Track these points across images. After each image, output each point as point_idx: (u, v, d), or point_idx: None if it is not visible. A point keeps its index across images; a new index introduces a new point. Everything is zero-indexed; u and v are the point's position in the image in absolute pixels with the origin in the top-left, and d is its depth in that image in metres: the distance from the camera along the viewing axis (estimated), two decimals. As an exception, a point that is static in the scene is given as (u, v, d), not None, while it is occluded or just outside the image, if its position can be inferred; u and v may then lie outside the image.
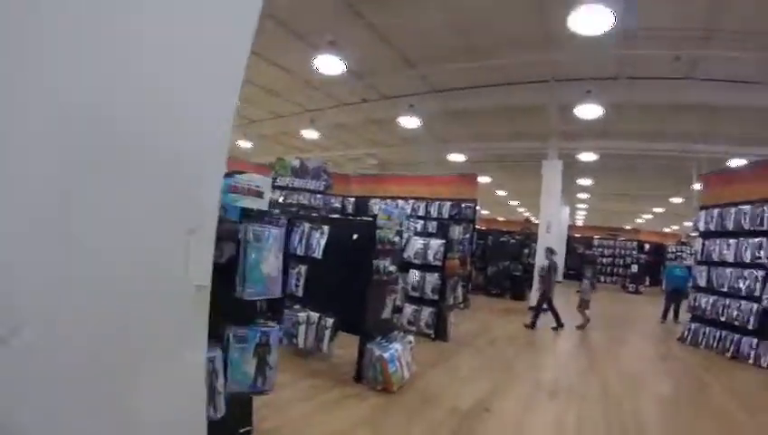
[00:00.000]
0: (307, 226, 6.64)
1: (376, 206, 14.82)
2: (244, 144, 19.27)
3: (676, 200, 24.01)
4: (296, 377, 5.66)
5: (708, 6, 8.70)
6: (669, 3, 8.87)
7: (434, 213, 15.02)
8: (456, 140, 18.01)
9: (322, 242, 6.33)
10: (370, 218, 6.43)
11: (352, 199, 17.30)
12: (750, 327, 9.13)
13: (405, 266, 8.78)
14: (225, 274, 3.57)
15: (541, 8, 9.15)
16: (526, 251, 18.48)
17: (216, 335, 3.64)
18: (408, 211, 15.04)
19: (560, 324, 11.13)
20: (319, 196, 16.51)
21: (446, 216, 14.70)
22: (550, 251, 12.45)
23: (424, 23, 10.02)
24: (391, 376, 5.37)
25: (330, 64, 10.20)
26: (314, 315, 6.21)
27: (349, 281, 6.05)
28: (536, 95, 13.10)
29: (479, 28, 10.20)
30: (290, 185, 16.64)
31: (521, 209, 35.66)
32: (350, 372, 5.78)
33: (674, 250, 27.89)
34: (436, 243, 9.09)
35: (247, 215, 3.72)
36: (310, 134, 16.38)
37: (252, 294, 3.53)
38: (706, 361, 9.18)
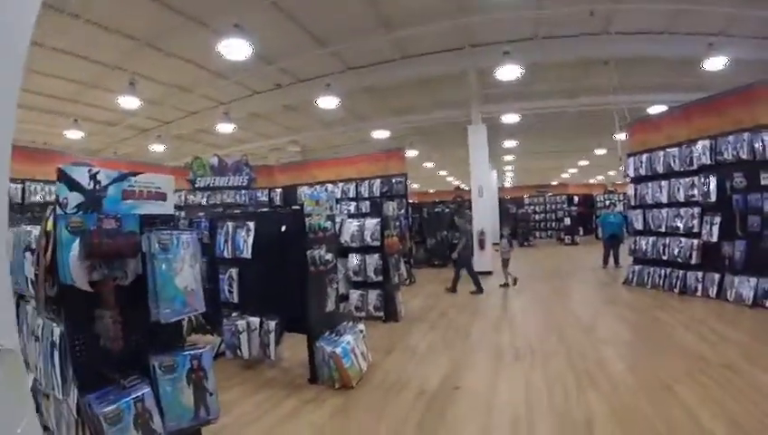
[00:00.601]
0: (231, 225, 6.07)
1: (305, 194, 14.33)
2: (157, 147, 18.12)
3: (600, 152, 24.83)
4: (246, 392, 5.15)
5: None
6: None
7: (365, 193, 14.65)
8: (377, 117, 17.75)
9: (250, 240, 5.81)
10: (297, 207, 5.89)
11: (279, 190, 16.66)
12: (693, 262, 9.36)
13: (343, 252, 8.45)
14: (136, 295, 3.06)
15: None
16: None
17: (139, 368, 3.14)
18: (338, 194, 14.65)
19: (479, 289, 11.06)
20: (243, 191, 15.83)
21: (377, 194, 14.37)
22: (460, 217, 12.76)
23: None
24: (348, 371, 4.95)
25: (236, 49, 9.52)
26: (255, 321, 5.67)
27: (284, 278, 5.56)
28: (454, 63, 13.01)
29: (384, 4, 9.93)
30: (211, 184, 15.86)
31: (450, 179, 35.93)
32: (304, 374, 5.32)
33: (602, 199, 28.87)
34: (371, 223, 8.65)
35: (150, 223, 3.17)
36: (225, 128, 15.59)
37: (168, 314, 3.00)
38: (656, 299, 9.29)
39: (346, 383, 4.94)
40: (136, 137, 19.43)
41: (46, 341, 2.89)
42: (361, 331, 5.78)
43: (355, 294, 8.48)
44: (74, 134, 15.70)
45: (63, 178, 2.87)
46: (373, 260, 8.41)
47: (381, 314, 8.31)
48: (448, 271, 14.40)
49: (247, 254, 5.82)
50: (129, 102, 12.67)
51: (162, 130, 18.14)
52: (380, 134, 18.70)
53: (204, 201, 15.63)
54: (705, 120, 9.57)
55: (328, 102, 13.16)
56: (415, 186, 38.08)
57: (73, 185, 2.90)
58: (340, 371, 4.92)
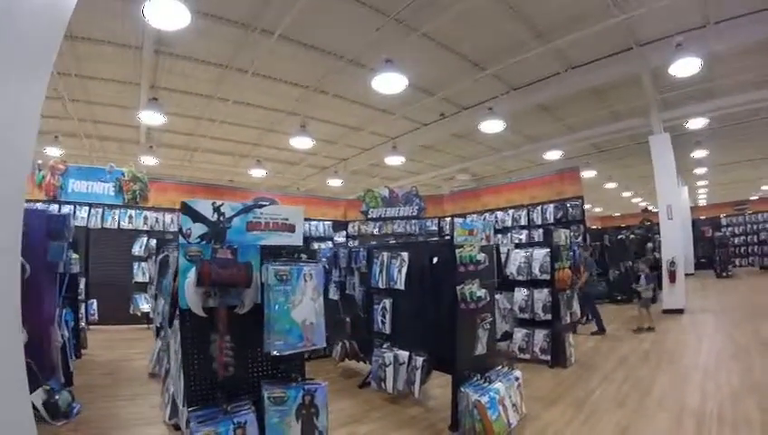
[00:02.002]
0: (386, 255, 5.97)
1: (457, 223, 14.06)
2: (335, 182, 19.12)
3: None
4: (383, 428, 4.90)
5: None
6: None
7: (537, 219, 13.83)
8: (548, 137, 16.79)
9: (404, 271, 5.66)
10: (448, 237, 5.57)
11: (448, 219, 16.49)
12: None
13: (509, 285, 7.89)
14: (254, 325, 3.00)
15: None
16: (650, 245, 16.62)
17: (252, 397, 3.07)
18: (509, 222, 14.03)
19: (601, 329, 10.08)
20: (414, 221, 16.00)
21: (550, 220, 13.46)
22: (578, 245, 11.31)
23: (475, 18, 9.29)
24: (493, 424, 4.40)
25: (390, 83, 9.59)
26: (403, 355, 5.44)
27: (435, 312, 5.27)
28: (623, 66, 11.60)
29: (535, 9, 9.29)
30: (382, 215, 16.32)
31: (636, 200, 32.99)
32: (447, 418, 4.90)
33: None
34: (539, 253, 7.90)
35: (275, 254, 3.12)
36: (394, 161, 15.86)
37: (281, 346, 2.90)
38: None
39: (490, 437, 4.41)
40: (317, 174, 20.90)
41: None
42: (517, 378, 5.18)
43: (520, 333, 7.77)
44: (258, 172, 17.26)
45: (187, 210, 2.98)
46: (542, 295, 7.67)
47: (548, 357, 7.44)
48: (632, 307, 12.89)
49: (400, 285, 5.67)
50: (302, 143, 13.53)
51: (339, 167, 19.23)
52: (553, 155, 17.63)
53: (376, 231, 16.11)
54: None
55: (492, 126, 12.61)
56: (597, 210, 35.70)
57: (197, 217, 2.97)
58: (485, 422, 4.39)
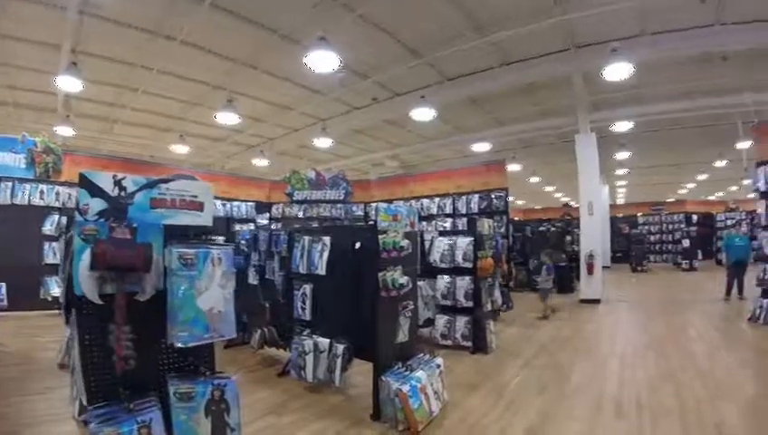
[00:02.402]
0: (307, 239, 5.70)
1: (381, 208, 14.00)
2: (261, 163, 18.52)
3: (720, 164, 22.07)
4: (304, 419, 4.70)
5: None
6: None
7: (462, 208, 13.84)
8: (478, 129, 17.04)
9: (325, 256, 5.41)
10: (372, 222, 5.39)
11: (374, 205, 16.37)
12: None
13: (432, 272, 7.84)
14: (156, 314, 2.69)
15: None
16: (569, 238, 17.29)
17: (158, 392, 2.78)
18: (434, 210, 14.06)
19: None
20: (340, 205, 15.74)
21: (475, 210, 13.51)
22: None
23: (415, 3, 9.24)
24: (414, 413, 4.31)
25: (323, 61, 9.22)
26: (324, 342, 5.23)
27: (356, 299, 5.09)
28: (557, 66, 12.03)
29: (478, 1, 9.34)
30: (308, 198, 15.92)
31: (558, 195, 34.23)
32: (369, 407, 4.76)
33: (723, 218, 26.03)
34: (463, 241, 7.87)
35: (177, 235, 2.81)
36: (323, 143, 15.51)
37: (185, 338, 2.59)
38: None
39: (411, 426, 4.28)
40: (243, 153, 20.24)
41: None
42: (439, 365, 5.11)
43: (442, 320, 7.74)
44: (180, 148, 16.44)
45: (84, 183, 2.63)
46: (464, 283, 7.64)
47: (469, 343, 7.46)
48: (552, 295, 13.35)
49: (322, 270, 5.43)
50: (228, 119, 12.92)
51: (266, 147, 18.67)
52: (481, 147, 17.88)
53: (300, 214, 15.73)
54: None
55: (423, 114, 12.56)
56: (520, 202, 36.77)
57: (95, 191, 2.63)
58: (406, 411, 4.29)
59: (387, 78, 12.77)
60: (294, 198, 15.81)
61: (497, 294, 8.79)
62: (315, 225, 12.97)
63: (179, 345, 2.59)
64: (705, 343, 8.11)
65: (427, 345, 6.78)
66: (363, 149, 19.98)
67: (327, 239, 5.46)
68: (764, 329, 8.93)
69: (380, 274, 4.71)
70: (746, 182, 25.72)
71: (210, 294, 2.71)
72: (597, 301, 12.52)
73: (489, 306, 7.96)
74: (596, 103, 13.84)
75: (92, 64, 11.07)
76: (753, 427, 4.49)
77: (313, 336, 5.38)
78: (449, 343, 7.58)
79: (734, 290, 12.54)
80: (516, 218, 23.58)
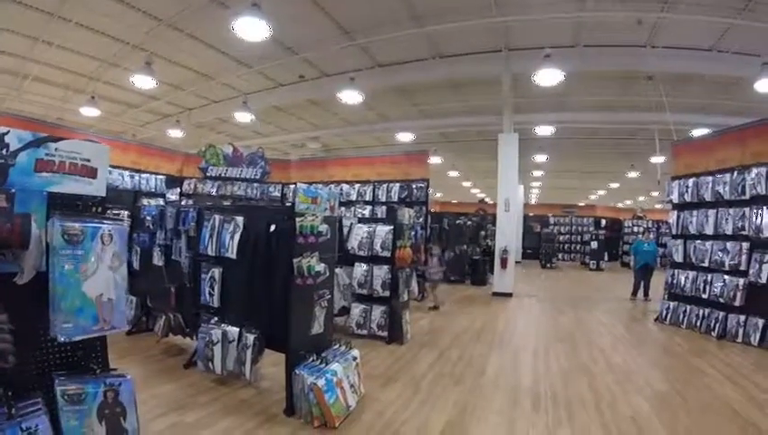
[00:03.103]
0: (218, 218, 5.21)
1: (300, 189, 13.54)
2: (177, 134, 17.47)
3: (633, 175, 23.73)
4: (211, 415, 4.31)
5: None
6: None
7: (382, 196, 13.55)
8: (404, 118, 17.02)
9: (236, 238, 4.94)
10: (289, 204, 5.00)
11: (293, 187, 15.84)
12: (736, 304, 8.35)
13: (350, 260, 7.59)
14: (39, 300, 2.25)
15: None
16: (483, 233, 17.67)
17: (44, 393, 2.35)
18: (354, 196, 13.74)
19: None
20: (256, 185, 15.11)
21: (395, 199, 13.25)
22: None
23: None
24: (330, 408, 4.05)
25: (252, 29, 8.68)
26: (233, 331, 4.82)
27: (269, 286, 4.71)
28: (489, 65, 12.27)
29: None
30: (223, 174, 15.13)
31: (475, 191, 34.99)
32: (282, 402, 4.45)
33: (630, 225, 27.93)
34: (382, 230, 7.65)
35: (63, 205, 2.38)
36: (243, 117, 14.79)
37: (70, 330, 2.17)
38: (693, 343, 8.28)
39: (328, 422, 4.03)
40: (157, 122, 18.97)
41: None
42: (355, 358, 4.87)
43: (358, 309, 7.52)
44: (90, 112, 15.08)
45: None
46: (381, 272, 7.44)
47: (385, 333, 7.31)
48: (465, 288, 13.62)
49: (232, 253, 4.95)
50: (145, 82, 11.88)
51: (182, 117, 17.60)
52: (405, 137, 17.87)
53: (213, 191, 14.94)
54: (763, 145, 8.48)
55: (350, 96, 12.26)
56: (438, 195, 37.28)
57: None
58: (321, 406, 4.03)
59: (317, 56, 12.37)
60: (208, 174, 15.00)
61: (414, 284, 8.67)
62: (228, 203, 12.38)
63: (63, 339, 2.18)
64: (616, 340, 8.50)
65: (342, 335, 6.56)
66: (285, 128, 19.33)
67: (240, 220, 5.00)
68: (670, 329, 9.51)
69: (296, 260, 4.36)
70: (655, 194, 27.90)
71: (98, 278, 2.30)
72: (509, 294, 12.85)
73: (406, 296, 7.81)
74: (521, 105, 14.09)
75: (5, 10, 9.89)
76: (665, 419, 4.63)
77: (222, 325, 4.95)
78: (365, 332, 7.39)
79: (640, 291, 13.49)
80: (434, 210, 23.86)
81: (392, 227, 7.60)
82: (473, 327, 8.95)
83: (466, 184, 32.73)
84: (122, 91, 15.02)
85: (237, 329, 4.81)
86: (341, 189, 13.85)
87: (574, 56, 11.33)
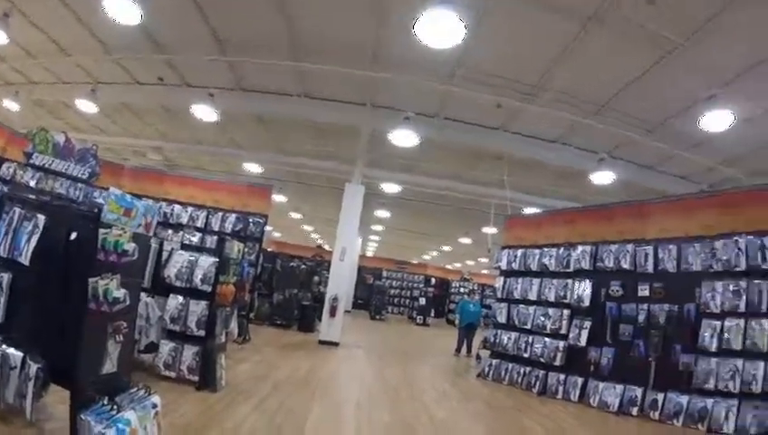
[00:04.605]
0: (18, 211, 4.25)
1: (112, 195, 12.23)
2: (10, 105, 15.13)
3: (465, 241, 25.92)
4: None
5: (544, 64, 9.21)
6: (508, 49, 9.05)
7: (215, 226, 12.53)
8: (254, 148, 16.55)
9: (33, 240, 4.05)
10: (97, 210, 3.99)
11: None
12: (557, 363, 9.43)
13: (164, 290, 6.72)
14: None
15: (378, 12, 8.34)
16: (317, 279, 17.52)
17: None
18: (185, 220, 12.59)
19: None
20: (80, 186, 13.48)
21: (229, 230, 12.35)
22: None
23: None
24: (118, 466, 3.44)
25: (124, 11, 8.06)
26: (16, 356, 3.85)
27: (61, 307, 3.88)
28: (352, 116, 12.53)
29: (306, 20, 9.05)
30: (47, 165, 13.27)
31: (315, 236, 35.02)
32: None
33: (457, 285, 30.38)
34: (206, 261, 6.89)
35: None
36: (88, 107, 13.29)
37: None
38: (515, 399, 8.90)
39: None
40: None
41: None
42: (155, 405, 4.23)
43: (168, 347, 6.64)
44: None
45: None
46: (198, 308, 6.66)
47: (196, 377, 6.52)
48: (292, 333, 13.36)
49: (26, 259, 4.03)
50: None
51: (24, 88, 15.15)
52: (253, 168, 17.38)
53: (33, 183, 13.01)
54: (589, 226, 10.12)
55: (205, 113, 11.75)
56: (276, 234, 36.78)
57: None
58: (107, 463, 3.42)
59: (182, 61, 11.51)
60: (31, 161, 13.04)
61: (234, 325, 8.08)
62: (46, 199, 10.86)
63: None
64: (440, 395, 8.78)
65: (147, 376, 5.88)
66: (131, 131, 17.52)
67: (41, 219, 4.07)
68: (492, 385, 10.24)
69: (92, 280, 3.61)
70: (483, 260, 30.59)
71: None
72: (336, 343, 12.69)
73: (223, 338, 7.17)
74: (374, 160, 14.37)
75: None
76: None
77: (4, 345, 4.06)
78: (173, 374, 6.55)
79: (464, 348, 14.56)
80: (270, 249, 23.32)
81: (217, 260, 6.91)
82: (296, 375, 8.52)
83: (308, 228, 32.67)
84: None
85: (21, 354, 3.96)
86: (173, 209, 12.73)
87: (433, 125, 12.06)
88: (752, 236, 7.41)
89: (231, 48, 10.38)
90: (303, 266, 17.59)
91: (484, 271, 35.91)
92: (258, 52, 10.19)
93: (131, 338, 4.40)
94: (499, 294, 11.36)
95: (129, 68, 12.60)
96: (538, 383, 9.53)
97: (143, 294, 6.48)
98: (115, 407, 3.74)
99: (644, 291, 8.61)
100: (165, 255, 6.91)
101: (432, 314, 27.50)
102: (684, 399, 7.58)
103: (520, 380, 9.97)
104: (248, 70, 11.16)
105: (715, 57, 8.10)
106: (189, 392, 6.26)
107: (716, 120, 9.31)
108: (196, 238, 11.68)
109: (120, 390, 4.04)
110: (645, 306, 8.52)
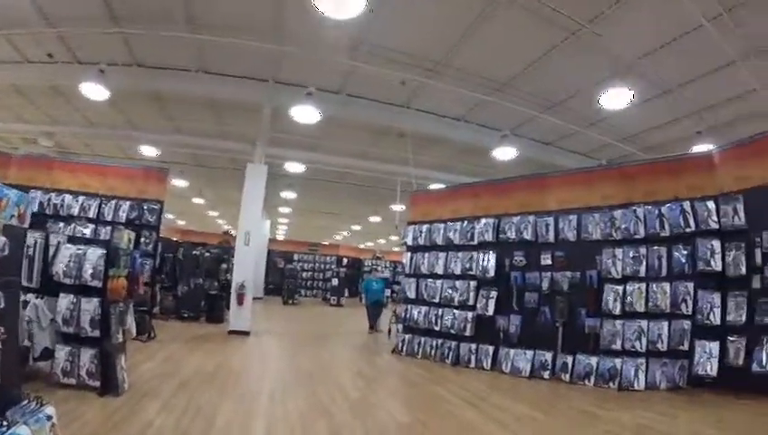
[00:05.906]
0: None
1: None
2: None
3: (375, 219, 26.09)
4: None
5: (449, 41, 9.26)
6: (412, 26, 8.97)
7: (108, 215, 11.30)
8: (150, 129, 15.49)
9: None
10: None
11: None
12: (467, 334, 9.68)
13: (54, 289, 6.09)
14: None
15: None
16: (224, 266, 16.65)
17: None
18: (76, 211, 11.37)
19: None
20: (-40, 177, 11.95)
21: (123, 219, 11.22)
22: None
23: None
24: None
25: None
26: None
27: None
28: (253, 93, 12.00)
29: None
30: None
31: (221, 221, 33.83)
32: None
33: (370, 264, 30.74)
34: (94, 254, 6.21)
35: None
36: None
37: None
38: (430, 371, 8.99)
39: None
40: None
41: None
42: (50, 417, 3.77)
43: (63, 352, 5.99)
44: None
45: None
46: (90, 306, 6.04)
47: (97, 383, 5.92)
48: (199, 326, 12.77)
49: None
50: None
51: None
52: (150, 151, 16.32)
53: None
54: (492, 200, 10.37)
55: (94, 91, 10.62)
56: (181, 222, 35.29)
57: None
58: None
59: (74, 36, 10.24)
60: None
61: (130, 321, 7.41)
62: None
63: None
64: (354, 374, 8.64)
65: (46, 385, 5.34)
66: (17, 115, 15.55)
67: None
68: (407, 359, 10.36)
69: None
70: (394, 238, 31.06)
71: None
72: (246, 333, 12.17)
73: (120, 337, 6.52)
74: (276, 139, 14.00)
75: None
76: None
77: None
78: (73, 381, 5.91)
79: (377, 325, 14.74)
80: (175, 239, 22.24)
81: (105, 252, 6.27)
82: (204, 370, 7.99)
83: (213, 213, 31.46)
84: None
85: None
86: (63, 200, 11.45)
87: (336, 101, 11.88)
88: (650, 206, 7.96)
89: (125, 19, 9.44)
90: (208, 254, 16.57)
91: (395, 248, 36.45)
92: (153, 24, 9.37)
93: (15, 346, 3.87)
94: (407, 270, 11.59)
95: (20, 44, 11.00)
96: (451, 354, 9.77)
97: (30, 296, 5.94)
98: (5, 423, 3.29)
99: (546, 260, 9.04)
100: (52, 250, 6.27)
101: (346, 294, 27.59)
102: (593, 360, 8.03)
103: (433, 352, 10.16)
104: (143, 43, 10.27)
105: (617, 41, 8.52)
106: (91, 399, 5.69)
107: (615, 100, 9.87)
108: (88, 231, 10.67)
109: (12, 403, 3.56)
110: (548, 274, 8.94)
